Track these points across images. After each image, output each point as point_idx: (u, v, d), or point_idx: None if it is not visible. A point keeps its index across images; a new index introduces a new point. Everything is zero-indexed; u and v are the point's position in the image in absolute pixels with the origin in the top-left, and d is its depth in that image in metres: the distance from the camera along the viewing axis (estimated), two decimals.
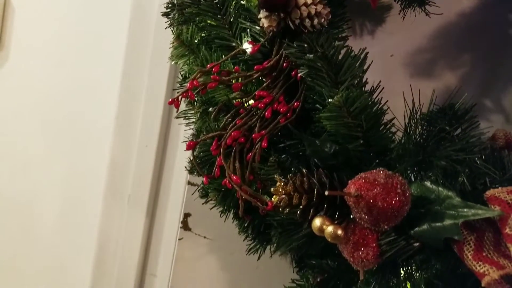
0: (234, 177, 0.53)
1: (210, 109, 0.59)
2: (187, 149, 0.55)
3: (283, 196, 0.48)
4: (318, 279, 0.52)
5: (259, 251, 0.64)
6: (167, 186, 0.78)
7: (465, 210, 0.42)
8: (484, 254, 0.42)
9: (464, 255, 0.42)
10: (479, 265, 0.41)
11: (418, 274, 0.48)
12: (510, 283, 0.42)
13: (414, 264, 0.47)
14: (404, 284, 0.50)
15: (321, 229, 0.46)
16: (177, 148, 0.77)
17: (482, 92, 0.53)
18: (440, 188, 0.44)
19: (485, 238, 0.43)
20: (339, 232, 0.45)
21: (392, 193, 0.42)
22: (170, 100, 0.53)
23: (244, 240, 0.63)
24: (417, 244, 0.46)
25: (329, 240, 0.45)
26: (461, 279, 0.47)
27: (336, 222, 0.47)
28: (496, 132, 0.54)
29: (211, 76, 0.52)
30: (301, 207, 0.47)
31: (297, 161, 0.53)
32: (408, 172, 0.48)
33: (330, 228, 0.45)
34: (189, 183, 0.71)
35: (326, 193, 0.41)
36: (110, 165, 0.84)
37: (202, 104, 0.60)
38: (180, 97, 0.53)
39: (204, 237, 0.71)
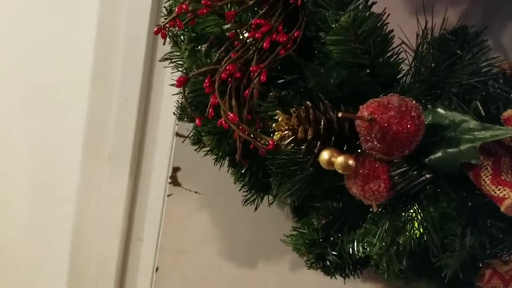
0: (231, 114, 0.49)
1: (200, 46, 0.54)
2: (178, 86, 0.50)
3: (287, 131, 0.44)
4: (323, 222, 0.49)
5: (256, 201, 0.60)
6: (152, 141, 0.73)
7: (483, 132, 0.40)
8: (502, 178, 0.40)
9: (481, 181, 0.40)
10: (498, 189, 0.39)
11: (430, 209, 0.46)
12: None
13: (425, 199, 0.45)
14: (415, 220, 0.48)
15: (330, 162, 0.43)
16: (161, 97, 0.71)
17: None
18: (454, 113, 0.42)
19: (502, 162, 0.40)
20: (351, 161, 0.42)
21: (407, 116, 0.40)
22: (156, 29, 0.48)
23: (240, 190, 0.59)
24: (430, 175, 0.44)
25: (339, 171, 0.42)
26: (474, 211, 0.45)
27: None
28: (501, 64, 0.52)
29: (202, 1, 0.47)
30: (308, 140, 0.44)
31: (299, 97, 0.49)
32: (420, 99, 0.45)
33: (340, 158, 0.42)
34: (177, 134, 0.66)
35: (340, 114, 0.38)
36: (88, 123, 0.77)
37: (191, 41, 0.55)
38: (167, 26, 0.48)
39: (196, 192, 0.67)
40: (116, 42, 0.75)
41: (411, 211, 0.48)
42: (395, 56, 0.46)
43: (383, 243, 0.47)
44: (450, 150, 0.41)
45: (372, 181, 0.43)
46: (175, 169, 0.67)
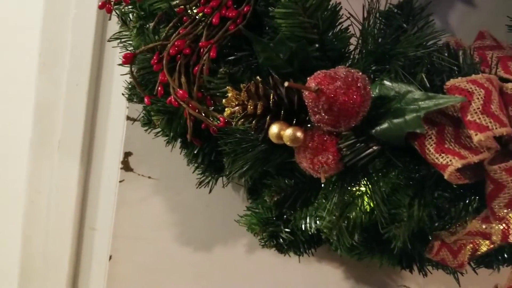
0: (180, 91, 0.47)
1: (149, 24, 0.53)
2: (124, 62, 0.49)
3: (237, 107, 0.44)
4: (275, 198, 0.49)
5: (210, 184, 0.59)
6: (103, 126, 0.70)
7: (427, 102, 0.40)
8: (446, 146, 0.40)
9: (426, 150, 0.41)
10: (441, 157, 0.40)
11: (379, 182, 0.47)
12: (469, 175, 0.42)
13: (374, 172, 0.46)
14: (365, 195, 0.49)
15: (279, 135, 0.42)
16: (112, 80, 0.68)
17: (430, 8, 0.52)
18: (400, 84, 0.42)
19: (446, 132, 0.41)
20: (299, 133, 0.41)
21: (353, 87, 0.40)
22: (100, 3, 0.46)
23: (193, 172, 0.58)
24: (377, 147, 0.44)
25: (288, 143, 0.42)
26: (421, 183, 0.46)
27: None
28: (447, 40, 0.53)
29: None
30: (257, 115, 0.43)
31: (249, 73, 0.48)
32: (368, 72, 0.45)
33: (289, 131, 0.41)
34: (128, 118, 0.64)
35: (286, 84, 0.37)
36: (36, 109, 0.74)
37: (139, 19, 0.53)
38: (112, 0, 0.46)
39: (149, 177, 0.65)
40: (64, 25, 0.71)
41: (362, 185, 0.48)
42: (343, 30, 0.46)
43: (333, 217, 0.47)
44: (395, 121, 0.41)
45: (320, 154, 0.43)
46: (127, 154, 0.65)
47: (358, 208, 0.49)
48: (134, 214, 0.66)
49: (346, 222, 0.48)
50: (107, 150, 0.70)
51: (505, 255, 0.56)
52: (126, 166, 0.65)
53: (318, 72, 0.40)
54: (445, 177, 0.40)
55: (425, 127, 0.41)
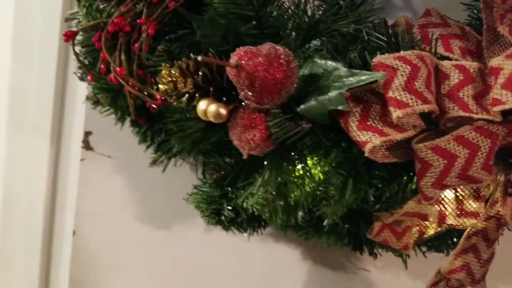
0: (118, 69, 0.48)
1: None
2: (66, 40, 0.49)
3: (169, 83, 0.44)
4: (214, 176, 0.49)
5: (165, 162, 0.60)
6: (71, 107, 0.71)
7: (350, 78, 0.40)
8: (368, 123, 0.40)
9: (349, 127, 0.40)
10: (362, 134, 0.39)
11: (313, 161, 0.47)
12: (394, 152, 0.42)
13: (306, 149, 0.46)
14: (305, 176, 0.48)
15: (205, 112, 0.43)
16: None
17: None
18: (328, 62, 0.42)
19: (371, 109, 0.41)
20: (222, 110, 0.41)
21: (275, 63, 0.39)
22: None
23: (145, 151, 0.58)
24: (308, 125, 0.44)
25: (212, 120, 0.42)
26: (354, 161, 0.46)
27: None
28: (398, 19, 0.52)
29: None
30: (187, 91, 0.43)
31: (188, 50, 0.48)
32: (302, 50, 0.45)
33: (212, 107, 0.41)
34: (87, 97, 0.65)
35: (199, 58, 0.37)
36: (10, 93, 0.76)
37: None
38: None
39: (108, 156, 0.66)
40: (35, 12, 0.73)
41: (300, 165, 0.48)
42: (280, 7, 0.46)
43: (268, 195, 0.47)
44: (320, 98, 0.41)
45: (248, 131, 0.43)
46: (87, 134, 0.66)
47: (298, 188, 0.49)
48: (96, 192, 0.67)
49: (283, 201, 0.48)
50: (73, 131, 0.72)
51: (454, 239, 0.55)
52: (86, 145, 0.66)
53: (240, 48, 0.40)
54: (366, 154, 0.39)
55: (349, 104, 0.41)
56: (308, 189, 0.49)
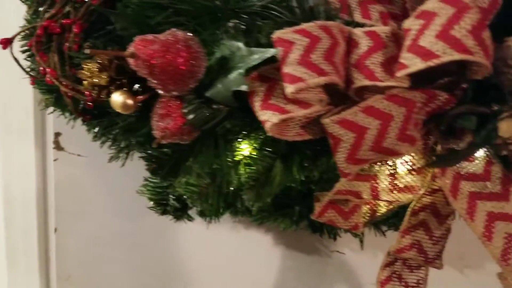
0: (48, 70, 0.49)
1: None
2: (3, 48, 0.52)
3: (89, 78, 0.45)
4: (152, 167, 0.50)
5: (124, 157, 0.61)
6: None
7: (250, 57, 0.39)
8: (270, 102, 0.39)
9: (254, 107, 0.39)
10: (264, 113, 0.38)
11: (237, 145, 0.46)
12: None
13: (229, 134, 0.45)
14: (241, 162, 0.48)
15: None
16: None
17: None
18: (233, 42, 0.41)
19: (276, 87, 0.39)
20: (128, 101, 0.42)
21: (172, 49, 0.39)
22: None
23: (101, 147, 0.60)
24: (225, 108, 0.43)
25: (120, 111, 0.42)
26: (278, 141, 0.44)
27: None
28: None
29: None
30: (105, 85, 0.44)
31: (114, 44, 0.49)
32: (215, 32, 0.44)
33: (118, 98, 0.42)
34: (39, 101, 0.67)
35: (87, 51, 0.38)
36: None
37: (33, 1, 0.55)
38: None
39: (78, 155, 0.69)
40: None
41: (236, 150, 0.48)
42: None
43: (201, 182, 0.47)
44: (224, 80, 0.40)
45: (164, 119, 0.43)
46: (57, 134, 0.69)
47: (235, 174, 0.49)
48: (71, 191, 0.70)
49: (219, 187, 0.48)
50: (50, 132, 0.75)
51: None
52: (57, 145, 0.69)
53: (138, 36, 0.40)
54: (269, 133, 0.38)
55: (254, 84, 0.40)
56: (243, 173, 0.48)
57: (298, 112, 0.38)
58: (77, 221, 0.71)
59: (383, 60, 0.38)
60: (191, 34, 0.40)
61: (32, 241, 0.84)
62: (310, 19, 0.41)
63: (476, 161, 0.41)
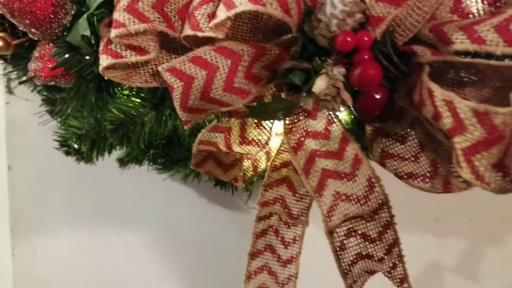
0: None
1: None
2: None
3: None
4: (47, 109, 0.54)
5: None
6: None
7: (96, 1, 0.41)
8: (110, 47, 0.40)
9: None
10: (101, 57, 0.40)
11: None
12: None
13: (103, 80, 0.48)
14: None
15: None
16: None
17: None
18: None
19: None
20: (1, 42, 0.45)
21: None
22: None
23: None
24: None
25: None
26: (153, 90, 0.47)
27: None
28: None
29: None
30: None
31: None
32: None
33: None
34: None
35: None
36: None
37: None
38: None
39: (26, 100, 0.75)
40: None
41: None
42: None
43: (81, 124, 0.51)
44: (76, 25, 0.42)
45: (36, 62, 0.46)
46: (9, 79, 0.75)
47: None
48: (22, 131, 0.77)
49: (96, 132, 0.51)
50: None
51: None
52: (9, 90, 0.75)
53: None
54: (106, 78, 0.40)
55: (103, 29, 0.41)
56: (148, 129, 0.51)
57: (131, 58, 0.39)
58: (29, 160, 0.78)
59: (211, 12, 0.38)
60: None
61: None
62: None
63: (318, 120, 0.41)
